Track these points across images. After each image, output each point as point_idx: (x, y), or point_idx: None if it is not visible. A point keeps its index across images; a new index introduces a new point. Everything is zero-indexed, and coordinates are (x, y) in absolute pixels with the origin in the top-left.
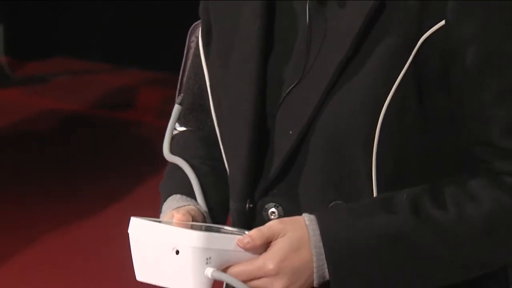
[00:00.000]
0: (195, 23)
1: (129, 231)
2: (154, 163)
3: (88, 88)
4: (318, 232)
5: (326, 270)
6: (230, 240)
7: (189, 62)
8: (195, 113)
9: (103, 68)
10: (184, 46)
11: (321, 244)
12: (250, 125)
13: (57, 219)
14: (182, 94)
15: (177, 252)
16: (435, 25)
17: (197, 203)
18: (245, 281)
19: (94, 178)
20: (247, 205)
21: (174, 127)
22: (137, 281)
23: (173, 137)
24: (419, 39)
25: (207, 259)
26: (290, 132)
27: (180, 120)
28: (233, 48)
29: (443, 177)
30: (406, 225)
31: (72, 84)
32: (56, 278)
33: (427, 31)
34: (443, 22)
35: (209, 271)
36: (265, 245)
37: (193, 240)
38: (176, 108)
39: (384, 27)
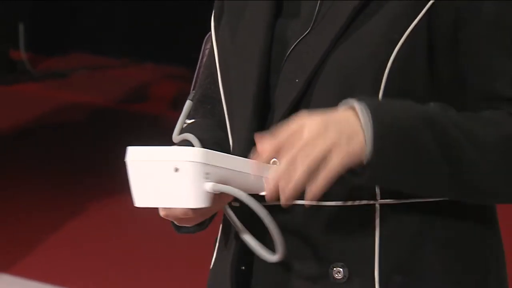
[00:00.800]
0: (210, 33)
1: (126, 159)
2: None
3: (105, 82)
4: (363, 102)
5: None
6: (231, 159)
7: (203, 68)
8: (204, 105)
9: (119, 63)
10: (198, 41)
11: (368, 110)
12: (255, 82)
13: (79, 204)
14: (194, 91)
15: (176, 170)
16: None
17: None
18: (278, 154)
19: (113, 167)
20: None
21: (184, 121)
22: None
23: (182, 129)
24: None
25: (206, 174)
26: (297, 80)
27: (190, 114)
28: (244, 14)
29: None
30: (439, 115)
31: (90, 78)
32: (80, 260)
33: None
34: None
35: (209, 185)
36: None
37: (190, 155)
38: (188, 104)
39: None
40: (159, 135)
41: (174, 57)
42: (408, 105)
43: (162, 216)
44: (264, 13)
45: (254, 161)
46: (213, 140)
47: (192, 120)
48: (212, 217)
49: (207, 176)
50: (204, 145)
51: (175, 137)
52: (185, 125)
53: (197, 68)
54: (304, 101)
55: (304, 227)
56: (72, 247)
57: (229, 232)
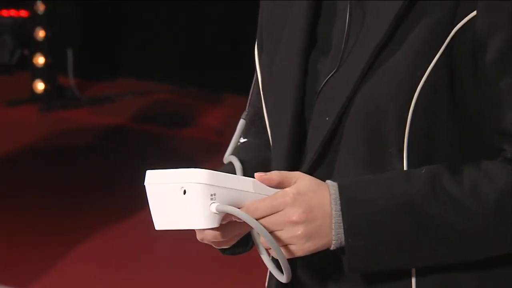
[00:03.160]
0: None
1: (145, 183)
2: None
3: (151, 108)
4: (337, 191)
5: (343, 231)
6: (238, 180)
7: (254, 84)
8: (256, 124)
9: (164, 89)
10: (244, 68)
11: (339, 202)
12: (290, 117)
13: (124, 228)
14: (247, 110)
15: (184, 192)
16: (467, 15)
17: None
18: (260, 218)
19: None
20: None
21: (238, 140)
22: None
23: (235, 148)
24: (453, 28)
25: (211, 195)
26: (327, 118)
27: (243, 133)
28: (280, 46)
29: (469, 162)
30: (420, 194)
31: (136, 103)
32: (101, 273)
33: (460, 21)
34: (474, 13)
35: (214, 206)
36: (281, 187)
37: (197, 176)
38: (241, 123)
39: (420, 13)
40: (205, 160)
41: (219, 83)
42: (386, 189)
43: (199, 240)
44: (298, 46)
45: (257, 180)
46: (256, 161)
47: (245, 140)
48: None
49: (213, 197)
50: (246, 167)
51: (225, 157)
52: (238, 143)
53: (252, 87)
54: (336, 138)
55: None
56: (97, 263)
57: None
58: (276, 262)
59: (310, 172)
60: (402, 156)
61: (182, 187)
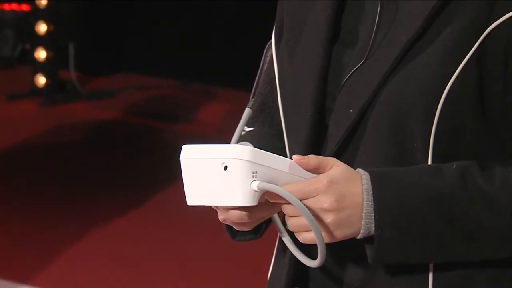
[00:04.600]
0: (271, 40)
1: (180, 158)
2: None
3: (151, 102)
4: (370, 181)
5: (373, 221)
6: (279, 160)
7: (263, 73)
8: (263, 114)
9: (166, 84)
10: (247, 64)
11: (371, 192)
12: (311, 106)
13: (124, 220)
14: (253, 99)
15: (225, 168)
16: (504, 15)
17: None
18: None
19: (160, 185)
20: None
21: (243, 129)
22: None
23: (241, 137)
24: (488, 27)
25: (253, 172)
26: (351, 110)
27: (249, 122)
28: (302, 36)
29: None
30: (452, 189)
31: (137, 98)
32: (104, 267)
33: (495, 20)
34: (510, 14)
35: (255, 184)
36: (316, 172)
37: (239, 153)
38: (247, 111)
39: (455, 10)
40: None
41: (222, 78)
42: (417, 181)
43: (221, 220)
44: (321, 37)
45: (294, 162)
46: (269, 150)
47: (251, 129)
48: (267, 226)
49: (254, 175)
50: None
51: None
52: (244, 133)
53: (257, 75)
54: (359, 130)
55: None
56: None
57: (285, 246)
58: (299, 246)
59: None
60: (427, 152)
61: (223, 163)
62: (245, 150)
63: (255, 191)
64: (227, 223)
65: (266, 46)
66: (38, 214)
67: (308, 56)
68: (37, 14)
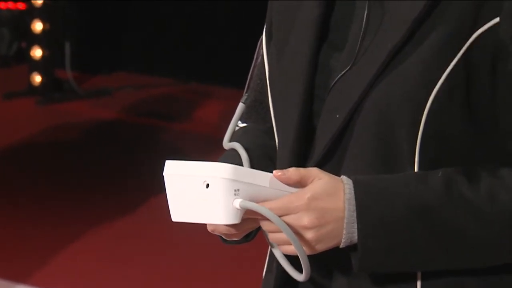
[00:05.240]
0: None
1: (164, 173)
2: None
3: (149, 101)
4: (353, 190)
5: (356, 230)
6: (260, 176)
7: (256, 68)
8: (257, 110)
9: (162, 82)
10: (245, 63)
11: (354, 202)
12: (298, 109)
13: (123, 220)
14: (247, 94)
15: (207, 186)
16: (489, 21)
17: None
18: None
19: (157, 184)
20: None
21: (237, 124)
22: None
23: (234, 132)
24: (474, 33)
25: (235, 190)
26: (337, 115)
27: (242, 117)
28: (290, 37)
29: (484, 167)
30: (436, 198)
31: (135, 97)
32: (101, 266)
33: (481, 26)
34: (497, 20)
35: (237, 202)
36: (298, 186)
37: (221, 171)
38: (240, 106)
39: (440, 16)
40: (203, 154)
41: (219, 77)
42: (401, 190)
43: (210, 231)
44: (309, 39)
45: (276, 178)
46: (261, 149)
47: (244, 125)
48: (259, 229)
49: (236, 192)
50: (251, 155)
51: (225, 143)
52: (237, 128)
53: (251, 68)
54: (346, 135)
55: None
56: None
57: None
58: (289, 258)
59: (318, 167)
60: (413, 158)
61: (205, 181)
62: (226, 168)
63: (237, 209)
64: (216, 233)
65: (260, 40)
66: (35, 213)
67: (295, 58)
68: (33, 12)
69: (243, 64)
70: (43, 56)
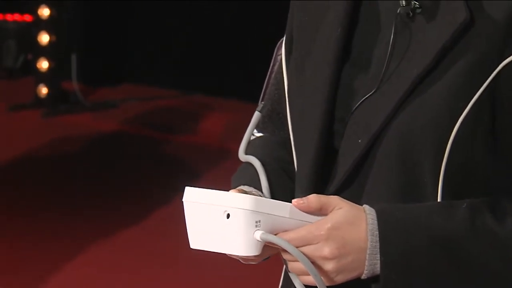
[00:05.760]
0: (282, 39)
1: (183, 199)
2: (218, 184)
3: (154, 113)
4: (376, 221)
5: (378, 262)
6: (280, 206)
7: (273, 75)
8: (273, 120)
9: (168, 94)
10: (249, 75)
11: (377, 232)
12: (318, 129)
13: (130, 232)
14: (263, 102)
15: (228, 216)
16: None
17: (262, 194)
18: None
19: (163, 196)
20: None
21: (252, 133)
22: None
23: (250, 142)
24: (501, 62)
25: (256, 222)
26: (359, 140)
27: (258, 126)
28: (311, 53)
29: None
30: (461, 231)
31: (140, 109)
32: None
33: (508, 56)
34: None
35: (258, 234)
36: (319, 214)
37: (242, 202)
38: (256, 115)
39: (468, 44)
40: (208, 166)
41: (224, 89)
42: (425, 221)
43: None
44: (331, 58)
45: (298, 208)
46: (277, 162)
47: (261, 135)
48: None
49: (257, 224)
50: (267, 168)
51: (241, 155)
52: (253, 137)
53: (267, 76)
54: (368, 161)
55: None
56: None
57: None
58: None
59: (338, 193)
60: (437, 186)
61: (226, 211)
62: (248, 200)
63: (258, 241)
64: (234, 257)
65: (277, 45)
66: (40, 225)
67: (316, 75)
68: (40, 24)
69: (247, 76)
70: (49, 68)
